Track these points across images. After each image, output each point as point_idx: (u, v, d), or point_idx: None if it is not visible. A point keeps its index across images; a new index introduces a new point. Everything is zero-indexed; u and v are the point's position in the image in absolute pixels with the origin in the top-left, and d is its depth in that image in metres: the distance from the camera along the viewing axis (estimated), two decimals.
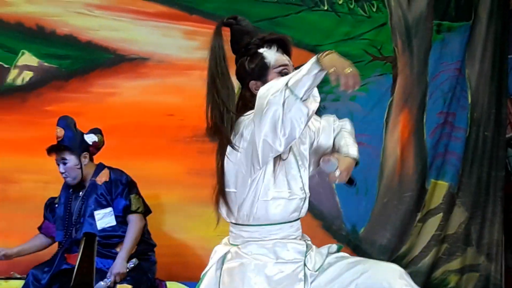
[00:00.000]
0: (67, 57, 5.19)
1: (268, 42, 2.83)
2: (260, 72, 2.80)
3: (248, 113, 2.73)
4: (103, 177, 4.46)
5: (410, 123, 5.94)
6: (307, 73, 2.46)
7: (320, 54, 2.46)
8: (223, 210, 2.80)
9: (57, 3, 5.18)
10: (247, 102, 2.80)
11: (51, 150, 4.41)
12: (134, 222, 4.40)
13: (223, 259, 2.80)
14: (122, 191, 4.42)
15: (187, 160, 5.28)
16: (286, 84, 2.48)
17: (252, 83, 2.82)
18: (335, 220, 5.64)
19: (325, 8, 5.71)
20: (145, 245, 4.49)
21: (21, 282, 4.44)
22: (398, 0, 5.90)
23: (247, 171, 2.68)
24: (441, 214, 5.92)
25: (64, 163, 4.40)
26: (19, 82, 5.11)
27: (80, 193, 4.47)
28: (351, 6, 5.75)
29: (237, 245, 2.81)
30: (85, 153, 4.44)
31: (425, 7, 5.98)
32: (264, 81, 2.76)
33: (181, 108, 5.30)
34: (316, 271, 2.75)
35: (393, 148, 5.88)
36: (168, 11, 5.36)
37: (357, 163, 2.87)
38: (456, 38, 6.04)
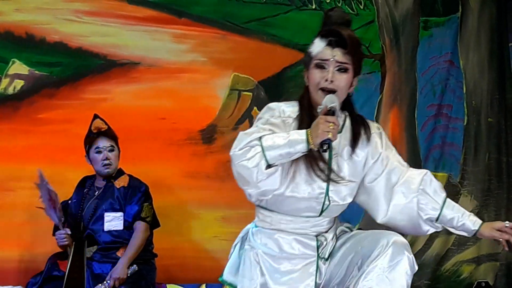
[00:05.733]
0: (57, 64, 5.19)
1: (324, 34, 2.78)
2: (306, 61, 2.79)
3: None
4: (121, 182, 4.51)
5: (400, 119, 5.95)
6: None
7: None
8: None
9: (46, 11, 5.18)
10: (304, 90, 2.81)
11: (103, 135, 4.47)
12: (140, 230, 4.41)
13: (244, 238, 2.86)
14: (138, 198, 4.46)
15: (181, 163, 5.30)
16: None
17: (304, 72, 2.83)
18: None
19: (313, 7, 5.72)
20: (147, 252, 4.49)
21: None
22: None
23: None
24: None
25: (112, 150, 4.48)
26: (10, 91, 5.10)
27: (96, 193, 4.51)
28: (339, 4, 5.75)
29: (256, 227, 2.83)
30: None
31: (411, 4, 6.01)
32: (308, 71, 2.77)
33: (173, 111, 5.33)
34: (327, 260, 2.79)
35: None
36: (157, 15, 5.38)
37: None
38: (445, 32, 6.07)
